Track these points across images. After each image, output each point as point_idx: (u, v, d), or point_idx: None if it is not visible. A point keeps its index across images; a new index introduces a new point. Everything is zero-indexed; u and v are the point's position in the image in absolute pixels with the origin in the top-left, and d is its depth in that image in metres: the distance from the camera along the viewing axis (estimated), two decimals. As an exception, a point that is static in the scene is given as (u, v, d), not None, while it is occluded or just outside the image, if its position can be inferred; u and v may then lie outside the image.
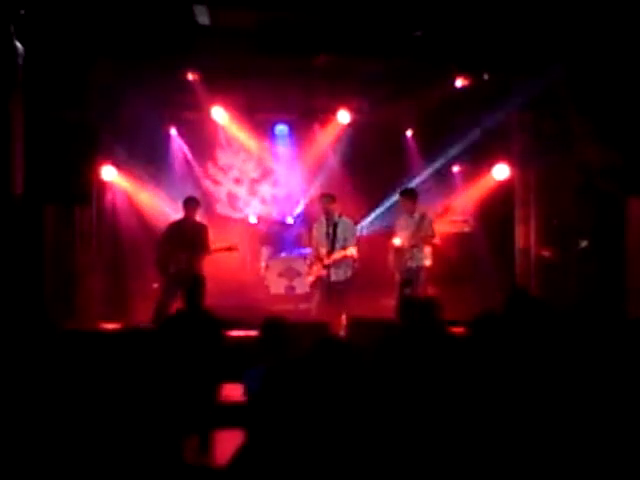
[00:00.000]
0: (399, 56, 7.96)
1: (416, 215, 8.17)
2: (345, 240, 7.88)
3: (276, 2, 7.17)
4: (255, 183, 11.11)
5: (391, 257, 8.22)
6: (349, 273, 7.94)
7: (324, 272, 7.83)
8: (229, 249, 8.64)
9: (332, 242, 7.82)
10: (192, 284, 5.54)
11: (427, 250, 8.15)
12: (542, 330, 4.30)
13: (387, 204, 10.42)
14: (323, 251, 7.88)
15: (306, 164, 10.86)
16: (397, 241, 8.16)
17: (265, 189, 11.11)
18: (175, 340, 4.86)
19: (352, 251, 7.91)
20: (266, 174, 11.12)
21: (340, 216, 7.99)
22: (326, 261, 7.82)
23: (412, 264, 8.05)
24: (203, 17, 7.15)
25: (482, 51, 7.82)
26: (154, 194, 10.06)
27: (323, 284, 7.89)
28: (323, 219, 8.03)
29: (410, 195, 8.29)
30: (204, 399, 3.88)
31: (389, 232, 10.01)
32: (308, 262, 8.29)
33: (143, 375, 3.43)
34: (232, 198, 11.05)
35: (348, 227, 8.00)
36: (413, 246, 8.03)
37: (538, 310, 4.43)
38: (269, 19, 7.40)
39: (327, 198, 8.03)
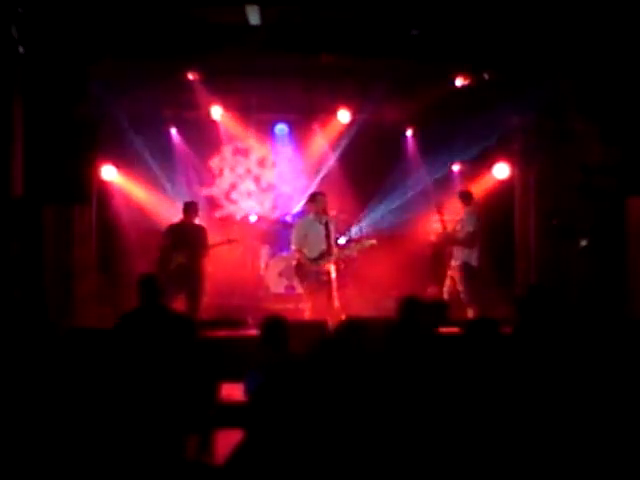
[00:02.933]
0: (399, 56, 7.96)
1: (466, 213, 8.61)
2: (335, 238, 7.89)
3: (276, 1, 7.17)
4: (255, 182, 11.10)
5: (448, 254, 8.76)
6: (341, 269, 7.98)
7: (326, 271, 7.76)
8: (229, 242, 8.68)
9: (328, 242, 7.74)
10: (148, 283, 5.48)
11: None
12: (551, 326, 4.31)
13: (387, 203, 10.42)
14: (318, 251, 7.77)
15: (306, 163, 10.86)
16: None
17: (265, 188, 11.10)
18: (129, 339, 4.84)
19: (371, 242, 8.10)
20: (266, 173, 11.11)
21: (327, 216, 7.92)
22: (327, 260, 7.73)
23: (459, 260, 8.48)
24: (254, 17, 7.15)
25: (483, 51, 7.81)
26: (154, 194, 10.06)
27: (319, 284, 7.79)
28: (314, 218, 7.85)
29: (467, 196, 8.70)
30: (204, 399, 3.88)
31: (389, 232, 10.05)
32: (296, 261, 8.02)
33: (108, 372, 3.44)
34: (232, 197, 11.04)
35: (336, 227, 8.01)
36: (459, 242, 8.48)
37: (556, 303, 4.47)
38: (270, 18, 7.40)
39: (321, 197, 7.94)
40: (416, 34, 7.49)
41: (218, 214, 10.84)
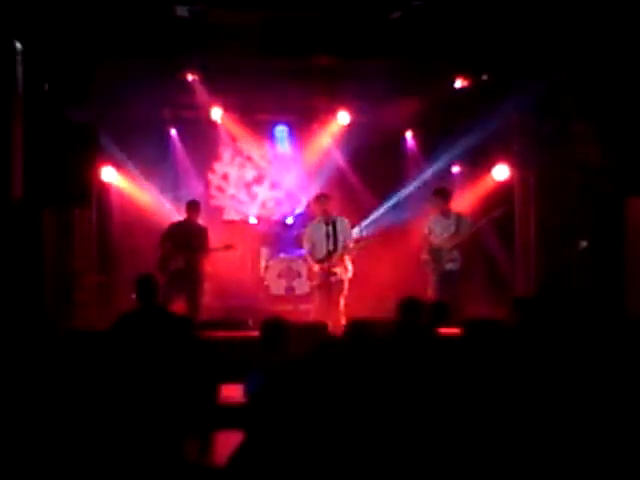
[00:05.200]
0: (398, 58, 7.98)
1: (452, 216, 8.21)
2: (344, 239, 7.91)
3: (276, 2, 7.18)
4: (255, 183, 11.10)
5: (426, 257, 8.21)
6: (350, 273, 7.97)
7: (332, 272, 7.82)
8: (227, 248, 8.68)
9: (334, 242, 7.82)
10: (145, 283, 5.52)
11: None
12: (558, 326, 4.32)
13: (387, 205, 10.41)
14: (323, 252, 7.85)
15: (306, 165, 10.86)
16: (435, 242, 8.16)
17: (265, 189, 11.10)
18: (127, 339, 4.84)
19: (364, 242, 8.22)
20: (266, 175, 11.11)
21: (336, 215, 8.00)
22: (334, 260, 7.78)
23: (453, 266, 8.09)
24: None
25: (481, 52, 7.83)
26: (153, 195, 10.05)
27: (326, 285, 7.86)
28: (320, 220, 7.99)
29: (443, 195, 8.30)
30: (204, 400, 3.88)
31: (389, 233, 10.04)
32: (309, 264, 8.19)
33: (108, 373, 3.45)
34: (232, 199, 11.05)
35: (346, 226, 8.03)
36: (454, 248, 8.08)
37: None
38: (269, 19, 7.41)
39: (323, 198, 8.02)
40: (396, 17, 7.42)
41: (218, 215, 10.85)
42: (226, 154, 10.94)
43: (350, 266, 7.98)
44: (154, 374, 3.78)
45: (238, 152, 10.97)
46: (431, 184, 10.18)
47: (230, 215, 10.98)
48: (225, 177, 11.01)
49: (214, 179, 10.95)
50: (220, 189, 10.99)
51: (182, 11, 7.14)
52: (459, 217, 8.26)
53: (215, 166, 10.93)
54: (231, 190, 11.02)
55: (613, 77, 7.18)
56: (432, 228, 8.24)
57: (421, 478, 2.81)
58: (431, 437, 2.95)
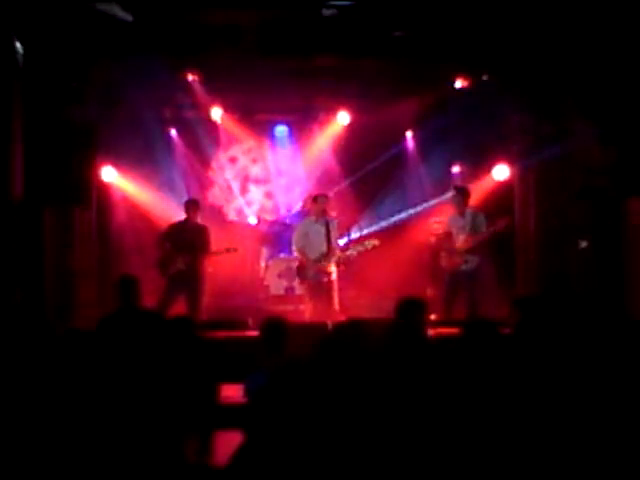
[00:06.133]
0: (399, 57, 7.98)
1: (467, 215, 8.02)
2: (336, 239, 7.92)
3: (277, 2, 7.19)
4: (254, 184, 11.12)
5: (445, 257, 8.06)
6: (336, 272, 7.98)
7: (327, 272, 7.81)
8: (228, 251, 8.67)
9: (329, 243, 7.80)
10: (126, 285, 5.56)
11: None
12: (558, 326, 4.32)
13: (387, 205, 10.42)
14: (319, 251, 7.82)
15: (306, 164, 10.87)
16: (458, 242, 7.93)
17: (259, 192, 11.12)
18: (110, 341, 4.86)
19: (373, 243, 7.96)
20: (266, 175, 11.13)
21: (330, 217, 7.99)
22: (327, 261, 7.78)
23: (468, 267, 7.88)
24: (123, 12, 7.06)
25: (482, 52, 7.83)
26: (154, 195, 10.06)
27: (318, 285, 7.85)
28: (314, 220, 7.95)
29: (464, 193, 8.12)
30: (204, 400, 3.88)
31: (388, 233, 10.05)
32: (299, 262, 8.06)
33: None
34: (224, 181, 11.05)
35: (336, 226, 8.02)
36: (470, 249, 7.87)
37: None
38: (269, 19, 7.41)
39: (323, 198, 8.00)
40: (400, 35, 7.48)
41: (218, 215, 10.86)
42: (225, 155, 10.95)
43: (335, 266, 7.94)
44: (151, 374, 3.78)
45: (237, 152, 10.99)
46: (431, 184, 10.20)
47: (213, 194, 10.99)
48: (233, 160, 11.03)
49: (222, 157, 10.96)
50: (221, 167, 11.01)
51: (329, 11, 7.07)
52: (475, 215, 8.06)
53: (214, 166, 10.94)
54: (228, 174, 11.02)
55: (613, 77, 7.19)
56: (452, 229, 8.08)
57: (421, 478, 2.81)
58: (429, 437, 2.95)
